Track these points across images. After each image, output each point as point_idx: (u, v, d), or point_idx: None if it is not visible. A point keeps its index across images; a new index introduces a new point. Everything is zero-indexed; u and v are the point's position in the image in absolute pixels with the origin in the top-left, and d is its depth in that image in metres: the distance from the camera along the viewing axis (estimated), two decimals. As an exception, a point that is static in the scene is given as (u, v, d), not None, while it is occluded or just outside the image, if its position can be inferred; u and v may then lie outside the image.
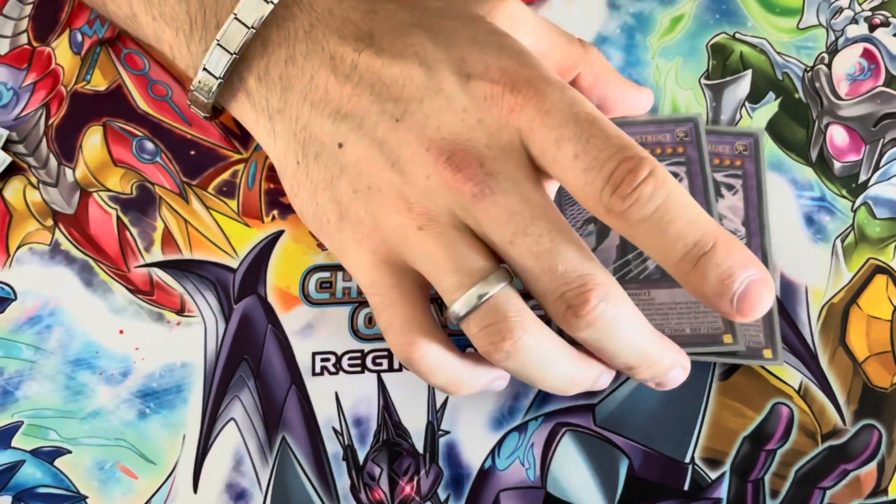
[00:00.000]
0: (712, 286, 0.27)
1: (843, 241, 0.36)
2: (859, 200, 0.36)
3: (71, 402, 0.34)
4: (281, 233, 0.36)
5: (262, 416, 0.34)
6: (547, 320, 0.31)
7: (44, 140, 0.38)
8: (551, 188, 0.31)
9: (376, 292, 0.31)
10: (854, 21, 0.39)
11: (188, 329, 0.35)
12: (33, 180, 0.37)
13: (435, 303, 0.35)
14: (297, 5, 0.32)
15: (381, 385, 0.34)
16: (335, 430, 0.34)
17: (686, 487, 0.33)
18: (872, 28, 0.39)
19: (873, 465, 0.33)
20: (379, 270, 0.31)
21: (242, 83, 0.32)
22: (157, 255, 0.36)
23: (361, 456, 0.34)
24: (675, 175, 0.35)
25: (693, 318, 0.33)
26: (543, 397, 0.34)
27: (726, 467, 0.33)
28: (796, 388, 0.34)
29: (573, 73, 0.35)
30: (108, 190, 0.37)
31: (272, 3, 0.31)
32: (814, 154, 0.37)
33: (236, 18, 0.31)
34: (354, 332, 0.35)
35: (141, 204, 0.37)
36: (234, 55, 0.31)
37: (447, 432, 0.34)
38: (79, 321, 0.35)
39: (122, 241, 0.36)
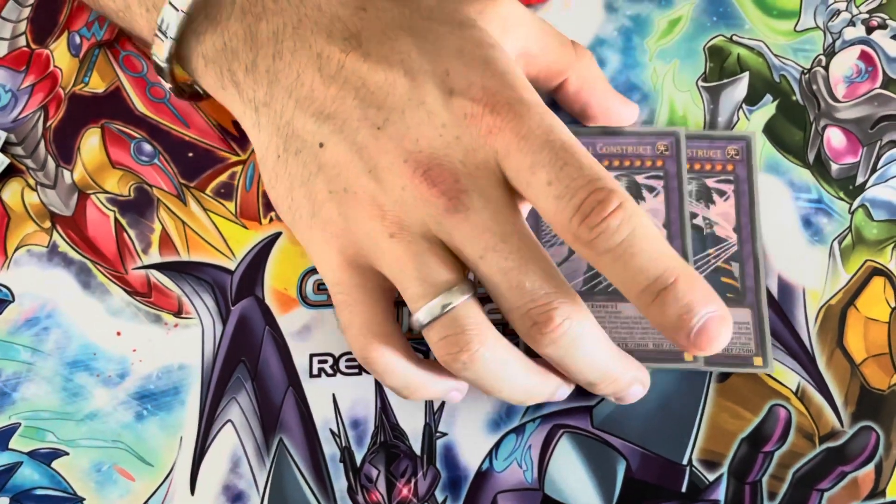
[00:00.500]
0: (671, 320, 0.28)
1: (840, 243, 0.36)
2: (856, 202, 0.36)
3: (68, 404, 0.34)
4: (278, 234, 0.36)
5: (260, 418, 0.34)
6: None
7: (42, 142, 0.38)
8: (525, 206, 0.31)
9: (339, 291, 0.31)
10: (851, 23, 0.39)
11: (186, 331, 0.35)
12: (31, 182, 0.37)
13: (403, 308, 0.35)
14: None
15: (379, 387, 0.34)
16: (332, 432, 0.34)
17: (684, 489, 0.33)
18: (870, 30, 0.39)
19: (871, 466, 0.33)
20: (345, 270, 0.31)
21: (232, 75, 0.32)
22: (154, 256, 0.36)
23: (359, 458, 0.34)
24: (652, 189, 0.36)
25: (657, 334, 0.34)
26: (541, 399, 0.34)
27: (724, 469, 0.33)
28: (794, 389, 0.34)
29: (561, 78, 0.35)
30: (106, 192, 0.37)
31: None
32: (811, 156, 0.37)
33: None
34: (352, 333, 0.35)
35: (139, 206, 0.37)
36: (183, 13, 0.31)
37: (444, 434, 0.34)
38: (76, 323, 0.35)
39: (120, 242, 0.36)
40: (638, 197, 0.36)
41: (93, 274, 0.36)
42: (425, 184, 0.29)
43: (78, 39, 0.39)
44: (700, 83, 0.38)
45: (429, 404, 0.34)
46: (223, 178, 0.37)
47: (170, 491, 0.33)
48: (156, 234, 0.36)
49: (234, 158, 0.37)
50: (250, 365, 0.35)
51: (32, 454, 0.34)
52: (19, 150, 0.38)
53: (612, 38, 0.39)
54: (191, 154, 0.38)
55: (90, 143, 0.38)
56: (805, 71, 0.38)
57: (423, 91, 0.30)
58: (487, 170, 0.30)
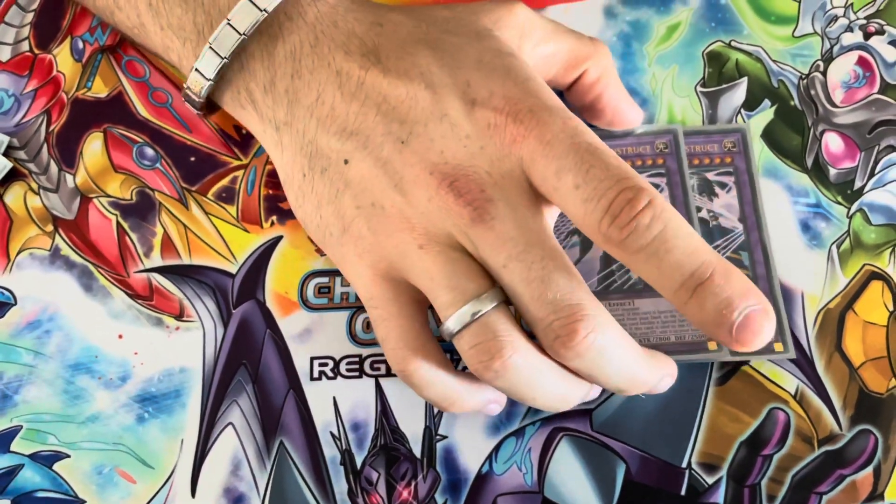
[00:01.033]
0: (710, 316, 0.27)
1: (838, 248, 0.36)
2: (854, 207, 0.37)
3: (70, 407, 0.34)
4: (280, 238, 0.37)
5: (261, 421, 0.34)
6: None
7: (44, 146, 0.38)
8: (552, 213, 0.32)
9: (374, 305, 0.31)
10: (849, 29, 0.39)
11: (187, 334, 0.35)
12: (34, 186, 0.37)
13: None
14: (302, 17, 0.32)
15: (379, 390, 0.35)
16: (333, 435, 0.34)
17: (683, 492, 0.33)
18: (867, 36, 0.39)
19: (869, 470, 0.33)
20: (378, 284, 0.31)
21: (249, 94, 0.32)
22: (156, 260, 0.36)
23: (359, 461, 0.34)
24: (657, 186, 0.36)
25: (677, 326, 0.34)
26: (541, 402, 0.34)
27: (723, 472, 0.33)
28: (793, 393, 0.34)
29: (581, 68, 0.35)
30: (109, 196, 0.37)
31: (265, 11, 0.31)
32: (809, 161, 0.37)
33: (228, 24, 0.32)
34: (353, 337, 0.35)
35: (141, 210, 0.37)
36: (224, 59, 0.32)
37: (444, 437, 0.34)
38: (78, 326, 0.35)
39: (122, 246, 0.37)
40: None
41: (94, 277, 0.36)
42: (451, 195, 0.29)
43: (81, 44, 0.39)
44: (699, 88, 0.38)
45: (429, 407, 0.34)
46: (225, 182, 0.37)
47: (171, 493, 0.34)
48: (157, 238, 0.37)
49: (235, 163, 0.38)
50: (251, 368, 0.35)
51: (34, 457, 0.34)
52: (22, 155, 0.38)
53: (611, 43, 0.39)
54: (193, 158, 0.38)
55: (93, 147, 0.38)
56: (803, 76, 0.38)
57: (445, 103, 0.30)
58: (513, 178, 0.30)
